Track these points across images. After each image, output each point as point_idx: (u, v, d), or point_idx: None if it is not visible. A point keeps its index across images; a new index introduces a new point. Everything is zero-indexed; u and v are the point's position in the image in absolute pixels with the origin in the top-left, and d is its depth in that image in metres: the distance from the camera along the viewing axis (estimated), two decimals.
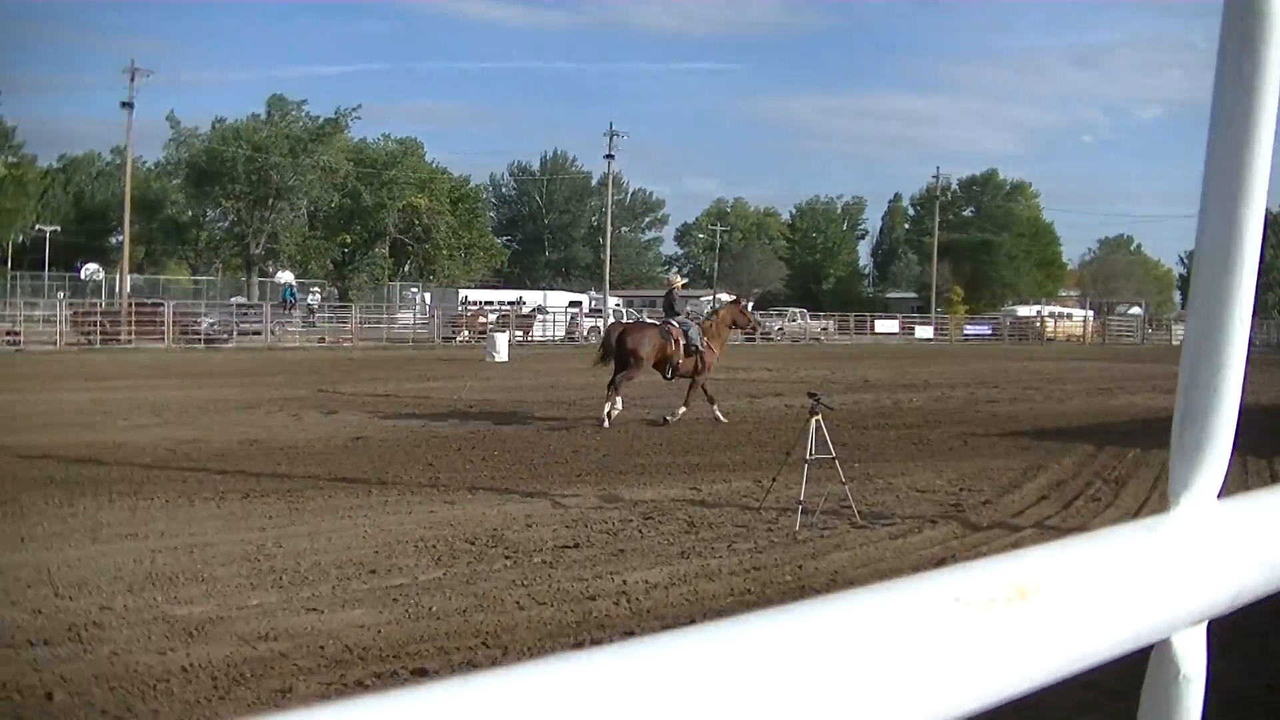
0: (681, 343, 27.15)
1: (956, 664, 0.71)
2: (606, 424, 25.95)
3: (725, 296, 75.08)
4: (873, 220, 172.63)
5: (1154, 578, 0.92)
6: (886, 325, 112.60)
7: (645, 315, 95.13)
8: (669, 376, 27.63)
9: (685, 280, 33.14)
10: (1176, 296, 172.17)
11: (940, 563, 13.07)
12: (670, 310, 28.58)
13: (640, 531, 14.52)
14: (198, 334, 67.35)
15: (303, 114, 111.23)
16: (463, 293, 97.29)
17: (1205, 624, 1.03)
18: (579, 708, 0.54)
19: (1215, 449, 1.03)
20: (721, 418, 27.19)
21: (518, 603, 11.26)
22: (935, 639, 0.70)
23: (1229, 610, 1.04)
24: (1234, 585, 1.02)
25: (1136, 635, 0.91)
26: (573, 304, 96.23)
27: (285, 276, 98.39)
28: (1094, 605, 0.84)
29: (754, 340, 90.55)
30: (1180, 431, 1.04)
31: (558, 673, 0.57)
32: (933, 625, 0.70)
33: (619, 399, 26.75)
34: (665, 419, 26.86)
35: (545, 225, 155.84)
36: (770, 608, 0.66)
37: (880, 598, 0.71)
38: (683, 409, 26.99)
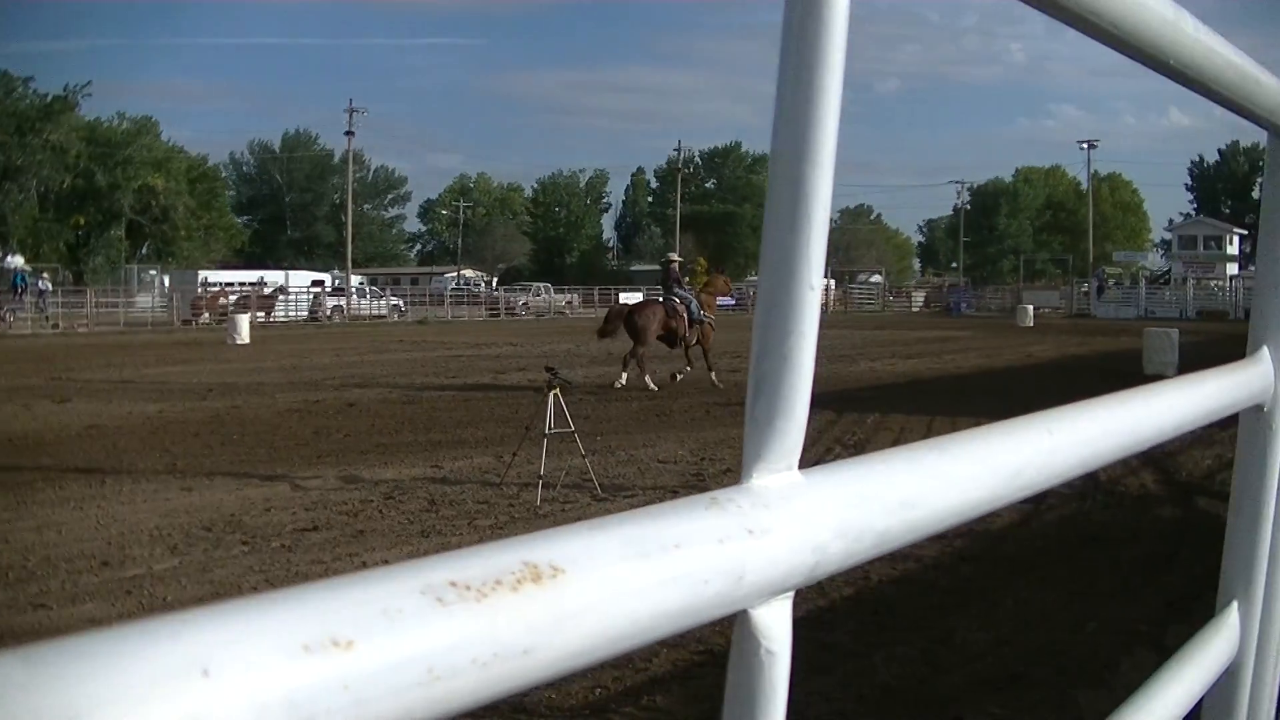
0: (685, 316, 30.48)
1: (440, 657, 0.68)
2: (620, 383, 29.44)
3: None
4: (616, 193, 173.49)
5: (710, 552, 0.91)
6: (631, 298, 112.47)
7: (389, 294, 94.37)
8: (674, 347, 30.93)
9: (680, 259, 34.95)
10: (916, 264, 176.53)
11: None
12: (669, 287, 31.69)
13: (381, 512, 14.42)
14: None
15: (30, 91, 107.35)
16: (203, 274, 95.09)
17: (789, 596, 1.03)
18: None
19: (790, 418, 1.03)
20: (717, 383, 30.11)
21: (255, 589, 11.05)
22: (414, 630, 0.67)
23: (810, 582, 1.03)
24: (812, 557, 1.02)
25: (689, 612, 0.89)
26: (315, 283, 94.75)
27: (15, 261, 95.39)
28: (630, 584, 0.82)
29: (498, 316, 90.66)
30: (753, 401, 1.03)
31: None
32: (412, 615, 0.68)
33: (646, 375, 29.72)
34: (678, 374, 30.34)
35: (287, 204, 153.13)
36: (192, 608, 0.63)
37: (355, 585, 0.68)
38: (713, 374, 30.45)
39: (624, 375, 29.65)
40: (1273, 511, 2.65)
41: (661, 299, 31.61)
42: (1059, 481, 1.52)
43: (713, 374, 30.37)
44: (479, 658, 0.70)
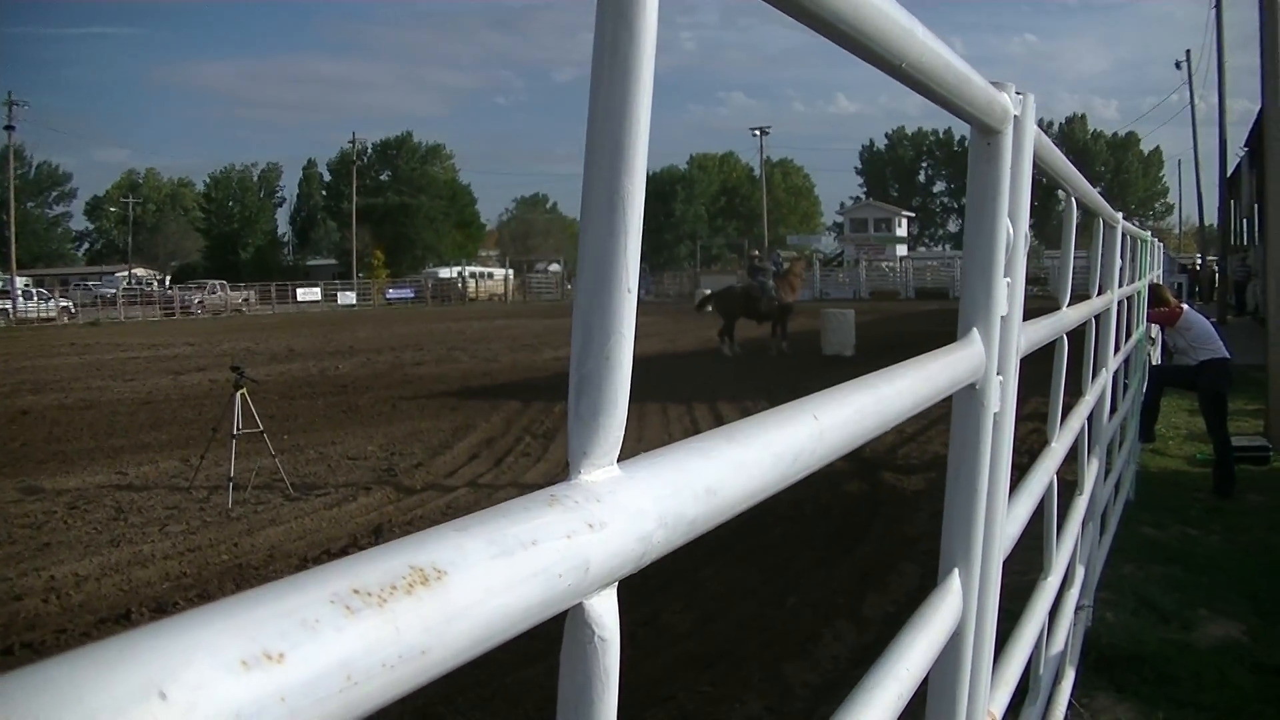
0: (763, 297, 36.79)
1: (356, 662, 0.70)
2: (727, 352, 35.94)
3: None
4: (290, 187, 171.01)
5: (560, 547, 0.94)
6: (309, 293, 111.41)
7: (57, 296, 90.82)
8: (759, 321, 37.38)
9: (756, 253, 43.06)
10: None
11: (377, 529, 13.13)
12: (753, 275, 37.86)
13: (65, 523, 13.95)
14: None
15: None
16: None
17: (615, 586, 1.07)
18: None
19: (612, 415, 1.06)
20: (785, 348, 36.58)
21: None
22: (332, 639, 0.69)
23: (635, 570, 1.07)
24: (639, 546, 1.06)
25: (548, 604, 0.93)
26: None
27: None
28: (501, 581, 0.85)
29: (173, 315, 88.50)
30: (576, 400, 1.06)
31: None
32: (329, 624, 0.69)
33: (732, 341, 36.66)
34: (780, 349, 36.46)
35: None
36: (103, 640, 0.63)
37: (271, 598, 0.69)
38: (784, 342, 36.70)
39: (724, 345, 36.39)
40: (986, 482, 2.78)
41: (742, 284, 38.47)
42: (827, 461, 1.60)
43: (784, 342, 36.64)
44: (387, 661, 0.72)
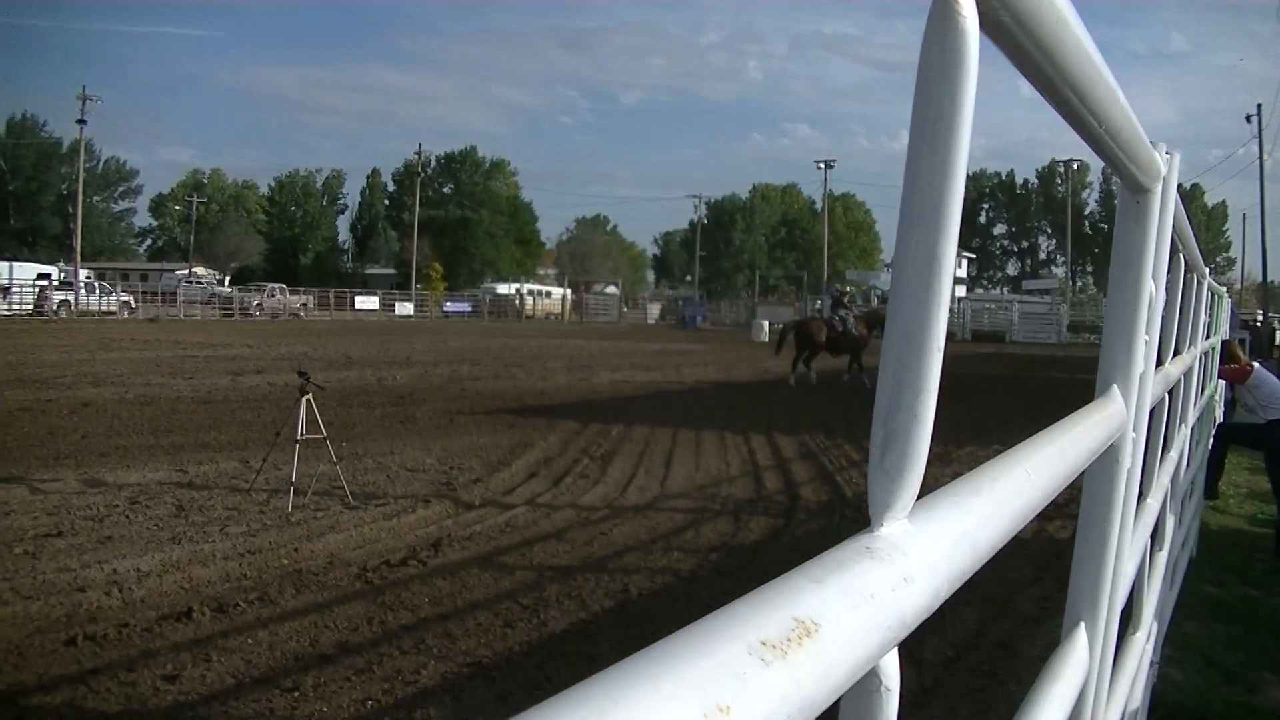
0: (840, 329, 38.76)
1: (773, 714, 0.71)
2: (792, 382, 36.66)
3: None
4: (353, 195, 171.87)
5: (889, 600, 0.96)
6: (366, 301, 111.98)
7: (119, 290, 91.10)
8: (835, 353, 39.01)
9: (849, 289, 48.16)
10: (650, 276, 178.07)
11: (435, 543, 13.14)
12: (836, 308, 40.42)
13: (127, 517, 14.01)
14: None
15: None
16: None
17: None
18: None
19: (913, 470, 1.08)
20: (866, 383, 36.71)
21: (0, 598, 10.70)
22: (756, 692, 0.70)
23: (925, 618, 1.09)
24: (932, 599, 1.07)
25: (877, 654, 0.94)
26: (41, 277, 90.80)
27: None
28: (856, 634, 0.87)
29: (232, 315, 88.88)
30: (881, 454, 1.08)
31: None
32: (753, 677, 0.71)
33: (812, 370, 38.33)
34: (860, 382, 37.34)
35: (10, 193, 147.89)
36: (570, 689, 0.65)
37: (697, 645, 0.71)
38: (861, 375, 37.95)
39: (793, 375, 37.51)
40: (1117, 538, 2.78)
41: (825, 316, 41.11)
42: (1036, 512, 1.61)
43: (864, 375, 37.87)
44: (791, 713, 0.73)
